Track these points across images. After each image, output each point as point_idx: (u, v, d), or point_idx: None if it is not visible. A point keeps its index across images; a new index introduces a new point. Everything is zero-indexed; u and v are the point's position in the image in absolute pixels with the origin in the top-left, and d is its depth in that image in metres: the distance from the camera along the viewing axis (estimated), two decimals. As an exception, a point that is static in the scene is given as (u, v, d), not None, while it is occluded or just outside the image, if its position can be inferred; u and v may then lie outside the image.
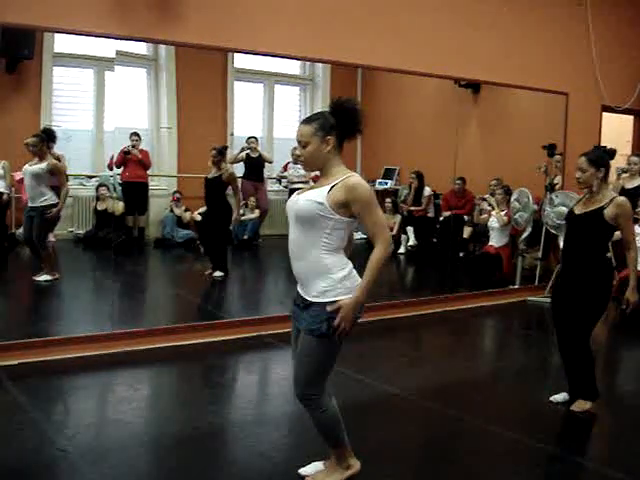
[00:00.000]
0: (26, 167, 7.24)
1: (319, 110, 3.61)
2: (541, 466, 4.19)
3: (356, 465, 3.68)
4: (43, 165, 7.15)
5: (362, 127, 3.39)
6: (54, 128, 7.67)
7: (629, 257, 4.65)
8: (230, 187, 8.44)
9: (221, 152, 8.39)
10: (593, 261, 4.69)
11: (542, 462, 4.24)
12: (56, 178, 7.31)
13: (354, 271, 3.40)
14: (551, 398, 5.01)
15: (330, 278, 3.33)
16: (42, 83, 7.85)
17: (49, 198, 7.24)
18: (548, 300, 8.33)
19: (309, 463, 3.79)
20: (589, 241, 4.70)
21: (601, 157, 4.77)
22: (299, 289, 3.48)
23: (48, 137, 7.29)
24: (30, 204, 7.26)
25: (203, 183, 8.45)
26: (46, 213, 7.21)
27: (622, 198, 4.68)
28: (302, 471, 3.74)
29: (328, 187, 3.32)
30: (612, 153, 4.94)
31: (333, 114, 3.37)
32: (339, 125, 3.35)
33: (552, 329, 7.60)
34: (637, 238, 7.88)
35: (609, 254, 5.10)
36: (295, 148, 9.89)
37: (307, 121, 3.40)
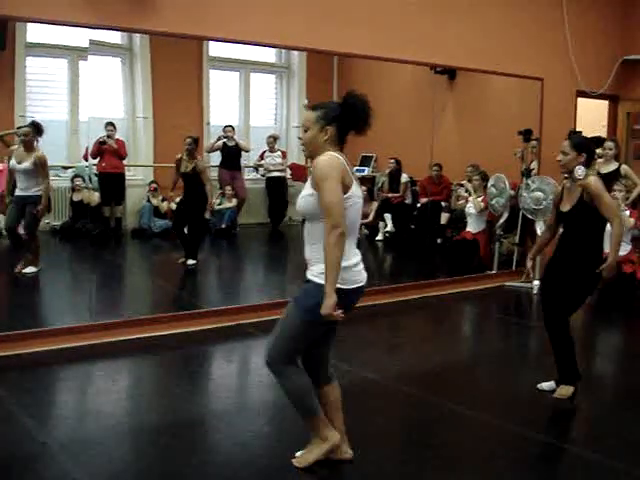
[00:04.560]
0: (14, 164, 7.26)
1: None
2: (522, 450, 4.22)
3: (334, 437, 3.69)
4: (31, 159, 7.21)
5: (368, 124, 3.43)
6: (28, 119, 7.62)
7: (612, 233, 4.63)
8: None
9: (196, 141, 8.41)
10: (586, 246, 4.69)
11: (523, 446, 4.27)
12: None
13: (360, 265, 3.47)
14: (538, 386, 5.01)
15: None
16: (15, 74, 7.77)
17: (38, 190, 7.28)
18: (525, 285, 8.45)
19: (290, 451, 3.80)
20: (582, 230, 4.69)
21: (584, 142, 4.77)
22: (307, 271, 3.54)
23: (37, 130, 7.30)
24: (22, 193, 7.28)
25: (181, 178, 8.46)
26: (39, 202, 7.24)
27: (591, 178, 4.62)
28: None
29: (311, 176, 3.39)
30: (598, 141, 4.94)
31: (342, 106, 3.42)
32: (343, 118, 3.40)
33: (530, 313, 7.72)
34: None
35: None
36: (270, 136, 9.95)
37: (313, 107, 3.49)
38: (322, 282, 3.36)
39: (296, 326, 3.49)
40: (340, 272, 3.33)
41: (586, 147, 4.73)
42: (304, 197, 3.42)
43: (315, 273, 3.44)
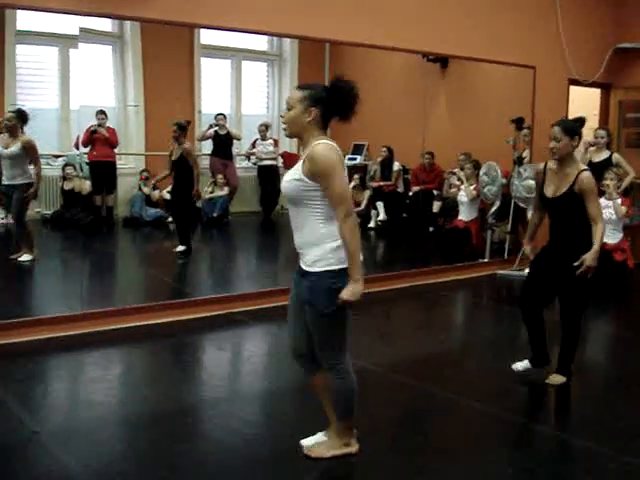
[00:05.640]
0: (0, 150, 7.23)
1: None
2: (512, 437, 4.26)
3: (354, 447, 3.74)
4: (18, 144, 7.17)
5: (353, 110, 3.41)
6: (19, 107, 7.59)
7: (596, 230, 4.58)
8: None
9: (182, 127, 8.32)
10: (580, 236, 4.65)
11: (513, 433, 4.30)
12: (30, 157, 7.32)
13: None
14: (513, 366, 5.00)
15: (322, 248, 3.38)
16: (5, 62, 7.72)
17: (29, 176, 7.28)
18: (517, 273, 8.45)
19: (281, 439, 3.81)
20: (572, 218, 4.66)
21: (575, 126, 4.74)
22: (300, 260, 3.52)
23: (21, 117, 7.27)
24: (8, 182, 7.27)
25: (169, 164, 8.40)
26: (25, 190, 7.22)
27: (585, 174, 4.61)
28: (304, 442, 3.79)
29: (302, 161, 3.37)
30: (582, 121, 4.90)
31: (328, 89, 3.40)
32: (329, 101, 3.38)
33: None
34: (604, 211, 8.02)
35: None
36: (262, 124, 9.90)
37: (300, 87, 3.47)
38: (322, 269, 3.37)
39: (329, 323, 3.48)
40: (335, 253, 3.36)
41: (577, 130, 4.72)
42: (290, 181, 3.39)
43: (309, 263, 3.42)
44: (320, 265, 3.38)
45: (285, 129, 3.52)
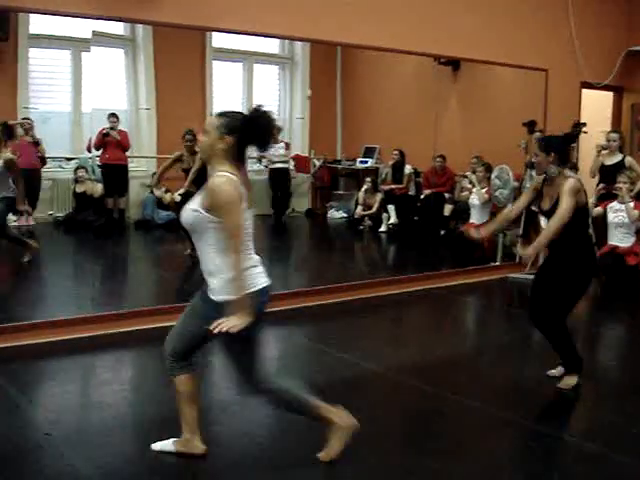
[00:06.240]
0: None
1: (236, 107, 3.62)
2: (523, 441, 4.23)
3: (336, 416, 3.60)
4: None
5: (268, 142, 3.46)
6: (31, 110, 7.62)
7: (548, 226, 4.62)
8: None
9: (195, 135, 8.25)
10: (575, 243, 4.67)
11: (524, 437, 4.27)
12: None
13: (250, 270, 3.37)
14: (548, 372, 5.00)
15: (220, 279, 3.34)
16: (18, 65, 7.78)
17: (12, 190, 7.14)
18: (529, 277, 8.40)
19: (292, 441, 3.80)
20: (568, 229, 4.65)
21: (551, 143, 4.74)
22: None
23: (5, 132, 7.14)
24: None
25: (184, 173, 8.33)
26: (8, 203, 7.14)
27: (570, 180, 4.58)
28: (154, 446, 3.80)
29: (203, 192, 3.35)
30: (570, 138, 4.89)
31: (246, 120, 3.40)
32: (245, 131, 3.38)
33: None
34: (616, 214, 8.01)
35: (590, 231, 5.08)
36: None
37: (218, 114, 3.47)
38: (221, 299, 3.32)
39: (237, 347, 3.46)
40: (232, 284, 3.29)
41: (554, 146, 4.68)
42: (189, 210, 3.37)
43: (211, 290, 3.40)
44: (220, 294, 3.34)
45: (201, 155, 3.54)
